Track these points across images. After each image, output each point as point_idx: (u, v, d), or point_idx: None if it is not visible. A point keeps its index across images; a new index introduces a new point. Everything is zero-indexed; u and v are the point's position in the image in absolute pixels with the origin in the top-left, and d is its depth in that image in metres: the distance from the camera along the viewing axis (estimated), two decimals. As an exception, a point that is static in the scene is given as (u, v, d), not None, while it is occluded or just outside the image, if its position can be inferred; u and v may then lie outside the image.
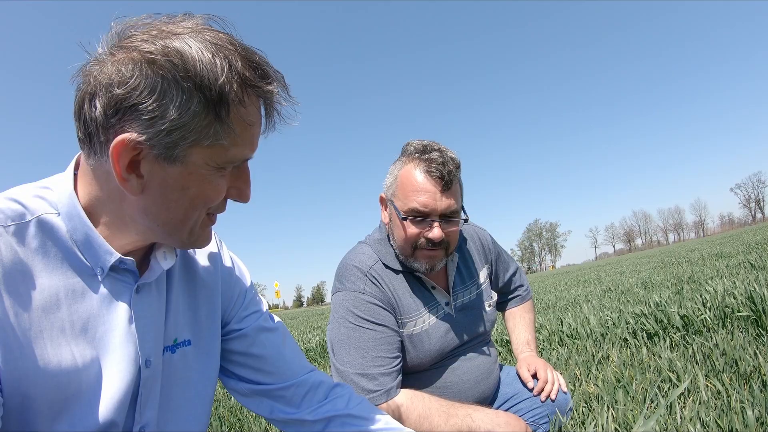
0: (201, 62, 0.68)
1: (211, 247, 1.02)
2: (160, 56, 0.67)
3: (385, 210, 1.59)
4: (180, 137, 0.70)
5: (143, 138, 0.69)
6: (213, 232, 1.05)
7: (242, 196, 0.83)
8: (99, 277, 0.78)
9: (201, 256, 0.99)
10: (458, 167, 1.47)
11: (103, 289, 0.78)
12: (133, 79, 0.67)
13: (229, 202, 0.84)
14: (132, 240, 0.80)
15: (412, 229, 1.45)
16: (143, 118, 0.68)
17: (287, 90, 0.79)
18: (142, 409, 0.82)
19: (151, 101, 0.67)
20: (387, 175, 1.57)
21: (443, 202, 1.43)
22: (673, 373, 2.05)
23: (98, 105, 0.69)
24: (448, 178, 1.42)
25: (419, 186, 1.43)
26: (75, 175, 0.80)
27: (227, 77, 0.69)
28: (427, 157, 1.44)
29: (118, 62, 0.69)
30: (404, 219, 1.44)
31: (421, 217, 1.44)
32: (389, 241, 1.58)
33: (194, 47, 0.68)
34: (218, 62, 0.69)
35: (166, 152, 0.70)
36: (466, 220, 1.54)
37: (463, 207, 1.54)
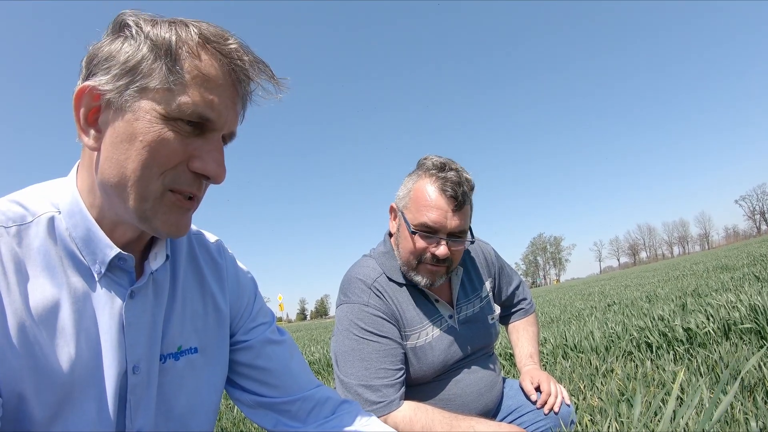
0: (163, 26, 0.74)
1: (218, 255, 1.02)
2: (132, 21, 0.74)
3: (394, 220, 1.61)
4: (129, 80, 0.72)
5: (97, 83, 0.73)
6: (220, 241, 1.05)
7: (207, 168, 0.77)
8: (96, 277, 0.78)
9: (208, 264, 1.00)
10: (472, 189, 1.51)
11: (99, 291, 0.78)
12: (103, 40, 0.75)
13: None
14: (114, 221, 0.80)
15: (419, 243, 1.47)
16: (102, 67, 0.73)
17: (264, 65, 0.80)
18: (133, 416, 0.81)
19: (107, 50, 0.74)
20: (401, 186, 1.59)
21: (453, 221, 1.45)
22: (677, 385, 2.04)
23: (80, 78, 0.77)
24: (461, 199, 1.45)
25: (432, 202, 1.45)
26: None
27: (182, 30, 0.74)
28: (443, 175, 1.47)
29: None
30: (413, 233, 1.46)
31: (429, 232, 1.46)
32: (394, 253, 1.60)
33: (165, 21, 0.76)
34: (177, 26, 0.75)
35: (118, 98, 0.73)
36: (472, 242, 1.56)
37: (470, 228, 1.56)
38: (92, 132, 0.75)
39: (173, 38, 0.73)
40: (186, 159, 0.76)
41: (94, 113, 0.75)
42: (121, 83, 0.72)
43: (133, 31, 0.73)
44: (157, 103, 0.72)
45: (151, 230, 0.79)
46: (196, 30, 0.75)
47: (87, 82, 0.74)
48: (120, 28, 0.75)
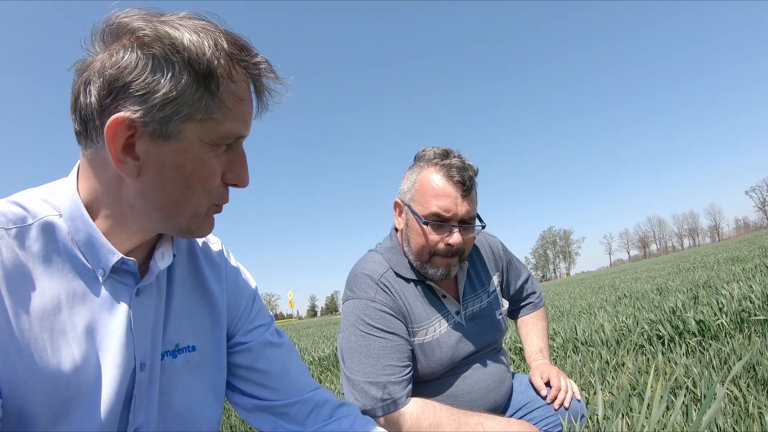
0: (189, 40, 0.71)
1: (218, 256, 1.02)
2: (151, 35, 0.70)
3: (400, 216, 1.59)
4: (173, 111, 0.71)
5: (137, 115, 0.70)
6: (221, 242, 1.05)
7: (240, 179, 0.82)
8: (100, 278, 0.78)
9: (208, 264, 0.99)
10: (476, 173, 1.49)
11: (103, 292, 0.78)
12: (124, 59, 0.70)
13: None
14: (132, 233, 0.80)
15: (432, 235, 1.45)
16: (136, 95, 0.70)
17: (274, 70, 0.81)
18: (136, 411, 0.81)
19: (143, 78, 0.70)
20: (403, 180, 1.57)
21: (463, 207, 1.44)
22: (689, 379, 2.02)
23: (93, 90, 0.72)
24: (468, 184, 1.44)
25: (440, 190, 1.43)
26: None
27: (213, 53, 0.72)
28: (447, 162, 1.45)
29: (111, 48, 0.72)
30: (425, 224, 1.44)
31: (441, 221, 1.44)
32: (401, 249, 1.58)
33: (182, 29, 0.72)
34: (204, 41, 0.72)
35: (160, 128, 0.71)
36: (483, 227, 1.54)
37: (478, 214, 1.54)
38: (130, 161, 0.73)
39: (211, 61, 0.71)
40: (221, 175, 0.80)
41: (129, 139, 0.72)
42: (164, 115, 0.71)
43: (166, 51, 0.70)
44: (202, 131, 0.74)
45: (183, 235, 0.83)
46: (224, 44, 0.74)
47: (123, 114, 0.70)
48: (144, 45, 0.70)
